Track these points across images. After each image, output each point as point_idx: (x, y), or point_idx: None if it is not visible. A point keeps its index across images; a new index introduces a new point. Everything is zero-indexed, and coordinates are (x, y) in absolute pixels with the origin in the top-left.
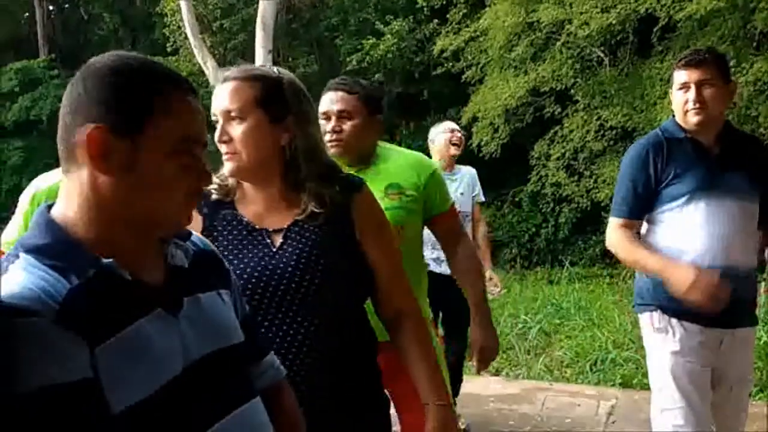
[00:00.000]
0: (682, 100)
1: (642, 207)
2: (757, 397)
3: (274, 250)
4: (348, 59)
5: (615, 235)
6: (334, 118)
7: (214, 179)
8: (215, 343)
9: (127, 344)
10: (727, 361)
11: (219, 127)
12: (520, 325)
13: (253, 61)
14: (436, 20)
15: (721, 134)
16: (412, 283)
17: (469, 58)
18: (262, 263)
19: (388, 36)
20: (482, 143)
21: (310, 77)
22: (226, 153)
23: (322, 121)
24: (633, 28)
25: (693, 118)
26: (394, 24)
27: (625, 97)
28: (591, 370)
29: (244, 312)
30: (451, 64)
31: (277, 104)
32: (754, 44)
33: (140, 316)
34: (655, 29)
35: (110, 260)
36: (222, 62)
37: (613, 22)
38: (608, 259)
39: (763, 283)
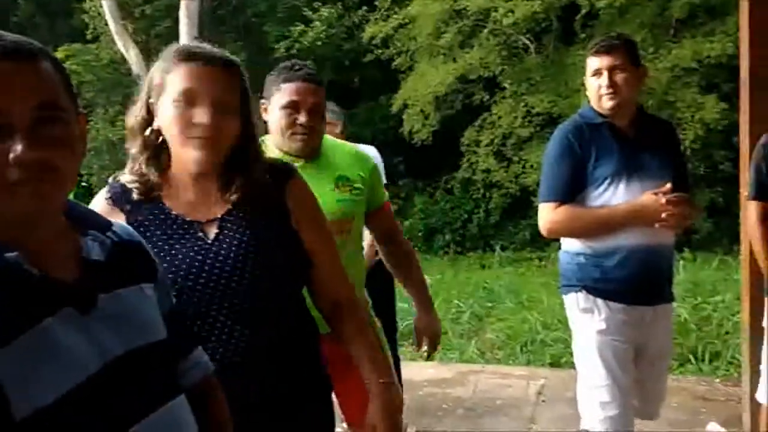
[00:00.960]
0: (596, 86)
1: (572, 190)
2: (678, 371)
3: (209, 242)
4: (276, 46)
5: (557, 216)
6: (304, 111)
7: (130, 177)
8: (136, 339)
9: (32, 346)
10: (649, 337)
11: (206, 112)
12: (453, 310)
13: None
14: (365, 7)
15: (635, 118)
16: (356, 273)
17: (399, 45)
18: (199, 257)
19: (317, 23)
20: (413, 130)
21: (241, 64)
22: (202, 139)
23: (283, 111)
24: (557, 16)
25: (608, 103)
26: (323, 11)
27: (551, 83)
28: (522, 351)
29: (170, 305)
30: (380, 51)
31: (244, 94)
32: (671, 31)
33: (47, 315)
34: (577, 17)
35: (14, 254)
36: (145, 50)
37: (538, 10)
38: (537, 242)
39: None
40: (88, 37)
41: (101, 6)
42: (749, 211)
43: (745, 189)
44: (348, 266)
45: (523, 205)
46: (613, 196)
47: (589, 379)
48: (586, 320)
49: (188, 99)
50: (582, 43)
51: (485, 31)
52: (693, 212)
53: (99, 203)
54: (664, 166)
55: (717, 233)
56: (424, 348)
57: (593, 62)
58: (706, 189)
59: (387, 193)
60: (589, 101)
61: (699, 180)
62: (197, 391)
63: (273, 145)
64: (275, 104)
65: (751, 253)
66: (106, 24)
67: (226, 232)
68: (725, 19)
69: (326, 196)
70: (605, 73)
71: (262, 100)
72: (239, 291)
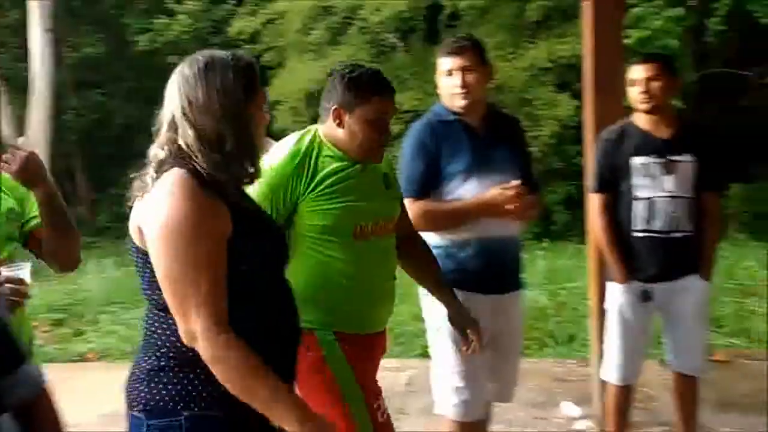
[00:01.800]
0: (448, 85)
1: (428, 185)
2: (537, 355)
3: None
4: (137, 39)
5: (414, 212)
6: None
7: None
8: None
9: None
10: (502, 323)
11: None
12: None
13: (26, 41)
14: (232, 1)
15: (485, 115)
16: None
17: (267, 41)
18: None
19: (181, 16)
20: (285, 127)
21: (101, 58)
22: None
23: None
24: (423, 16)
25: (460, 102)
26: (188, 3)
27: (418, 81)
28: (394, 343)
29: None
30: (249, 47)
31: None
32: (529, 33)
33: None
34: (441, 17)
35: None
36: None
37: (404, 9)
38: None
39: (541, 251)
40: None
41: None
42: (591, 203)
43: (589, 182)
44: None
45: None
46: (467, 191)
47: (443, 365)
48: (439, 309)
49: None
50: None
51: (353, 28)
52: (536, 204)
53: None
54: (513, 161)
55: (572, 224)
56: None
57: (445, 62)
58: (562, 182)
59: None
60: (440, 99)
61: (555, 174)
62: (25, 410)
63: (332, 143)
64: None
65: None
66: None
67: None
68: (576, 21)
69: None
70: (457, 73)
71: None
72: None
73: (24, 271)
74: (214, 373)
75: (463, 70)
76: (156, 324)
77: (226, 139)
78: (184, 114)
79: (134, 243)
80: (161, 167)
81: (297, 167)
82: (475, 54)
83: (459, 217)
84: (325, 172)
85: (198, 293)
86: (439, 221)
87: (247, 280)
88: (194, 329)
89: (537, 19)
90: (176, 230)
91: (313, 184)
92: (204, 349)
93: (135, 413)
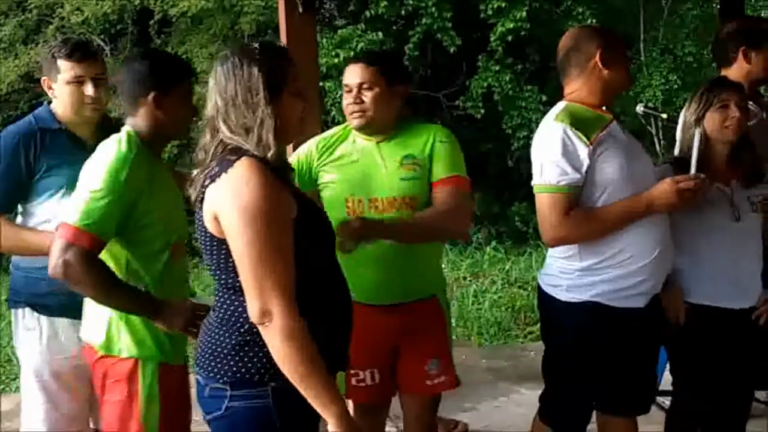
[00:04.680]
0: (72, 93)
1: (12, 199)
2: None
3: None
4: None
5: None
6: (355, 90)
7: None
8: None
9: None
10: None
11: None
12: None
13: None
14: None
15: (98, 126)
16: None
17: None
18: None
19: None
20: None
21: None
22: None
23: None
24: (132, 20)
25: (90, 113)
26: None
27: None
28: None
29: None
30: None
31: None
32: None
33: None
34: (151, 22)
35: None
36: None
37: (109, 11)
38: None
39: None
40: None
41: None
42: None
43: None
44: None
45: None
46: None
47: (31, 398)
48: (30, 339)
49: None
50: (159, 48)
51: (51, 27)
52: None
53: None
54: None
55: None
56: None
57: (74, 68)
58: None
59: None
60: (49, 102)
61: None
62: None
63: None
64: None
65: None
66: None
67: None
68: None
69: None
70: (88, 82)
71: None
72: None
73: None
74: (275, 350)
75: (94, 77)
76: (235, 303)
77: (262, 129)
78: (219, 111)
79: (206, 230)
80: (224, 158)
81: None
82: (101, 62)
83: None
84: None
85: (275, 275)
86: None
87: (308, 262)
88: (270, 308)
89: (250, 32)
90: (256, 215)
91: None
92: (277, 327)
93: (217, 385)
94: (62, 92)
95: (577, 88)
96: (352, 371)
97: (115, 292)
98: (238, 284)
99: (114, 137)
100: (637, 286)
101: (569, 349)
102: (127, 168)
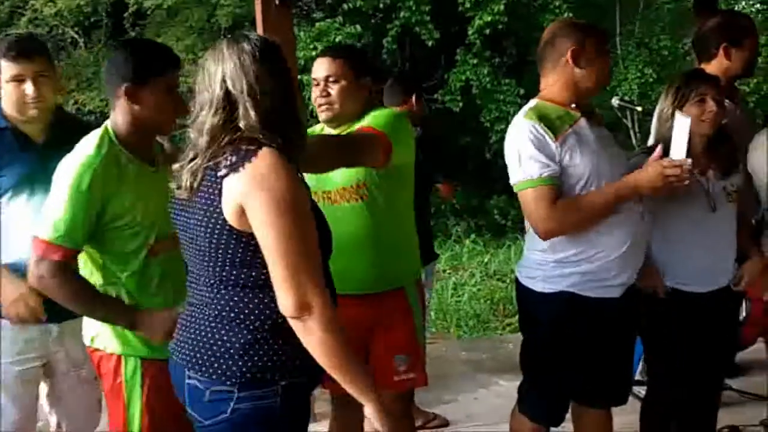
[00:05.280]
0: (12, 92)
1: None
2: None
3: None
4: None
5: None
6: (322, 83)
7: None
8: None
9: None
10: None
11: None
12: None
13: None
14: None
15: (50, 123)
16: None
17: None
18: None
19: None
20: None
21: None
22: None
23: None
24: (106, 12)
25: (33, 111)
26: None
27: (103, 80)
28: None
29: None
30: None
31: None
32: (221, 37)
33: None
34: (126, 14)
35: None
36: None
37: (82, 3)
38: None
39: None
40: None
41: None
42: None
43: None
44: None
45: None
46: (13, 210)
47: None
48: None
49: None
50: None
51: (24, 19)
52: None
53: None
54: None
55: None
56: None
57: (12, 67)
58: None
59: None
60: None
61: None
62: None
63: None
64: None
65: None
66: None
67: None
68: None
69: None
70: (28, 80)
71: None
72: None
73: None
74: (315, 341)
75: (35, 76)
76: (245, 301)
77: (284, 117)
78: (245, 95)
79: (223, 224)
80: (239, 147)
81: None
82: (45, 59)
83: None
84: None
85: (311, 267)
86: None
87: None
88: (308, 300)
89: (227, 25)
90: (288, 207)
91: None
92: (317, 318)
93: (221, 387)
94: (5, 91)
95: (549, 84)
96: None
97: (95, 303)
98: (256, 280)
99: (92, 134)
100: (610, 278)
101: (545, 340)
102: (89, 174)
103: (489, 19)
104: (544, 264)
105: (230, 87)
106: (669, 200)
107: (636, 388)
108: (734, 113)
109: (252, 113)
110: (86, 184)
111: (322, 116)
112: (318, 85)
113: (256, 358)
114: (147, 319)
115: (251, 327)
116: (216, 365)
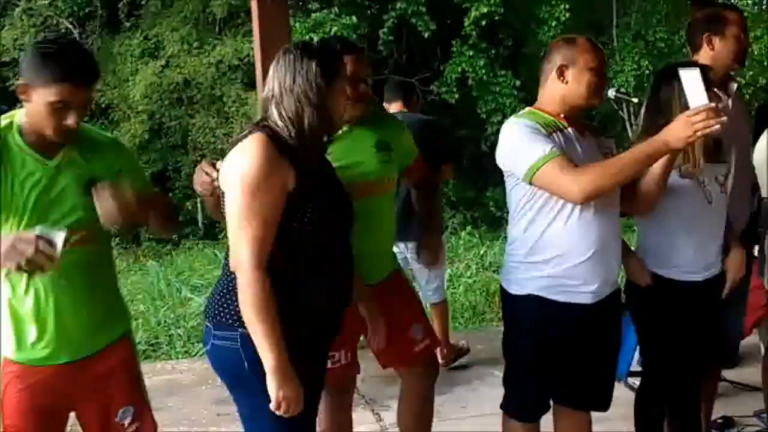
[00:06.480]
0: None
1: None
2: None
3: None
4: None
5: None
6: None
7: None
8: None
9: None
10: None
11: None
12: None
13: None
14: None
15: None
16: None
17: None
18: None
19: None
20: None
21: None
22: None
23: None
24: (101, 2)
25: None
26: None
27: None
28: None
29: None
30: None
31: None
32: (217, 28)
33: None
34: (121, 5)
35: None
36: None
37: None
38: None
39: None
40: None
41: None
42: None
43: None
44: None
45: None
46: None
47: None
48: None
49: None
50: (128, 32)
51: (18, 9)
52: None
53: None
54: None
55: None
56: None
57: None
58: None
59: None
60: None
61: None
62: None
63: None
64: None
65: None
66: None
67: None
68: None
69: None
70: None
71: None
72: None
73: (58, 235)
74: (239, 296)
75: None
76: (227, 257)
77: (305, 116)
78: (273, 95)
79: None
80: (244, 132)
81: None
82: None
83: None
84: None
85: (247, 233)
86: None
87: (301, 238)
88: (238, 260)
89: (222, 16)
90: (242, 179)
91: None
92: (239, 277)
93: (207, 323)
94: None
95: (542, 95)
96: (330, 353)
97: None
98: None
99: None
100: (576, 285)
101: (518, 341)
102: None
103: (485, 10)
104: (515, 266)
105: (270, 89)
106: (666, 195)
107: (630, 380)
108: (727, 106)
109: (275, 111)
110: None
111: (342, 117)
112: None
113: (225, 305)
114: None
115: (226, 279)
116: (207, 304)
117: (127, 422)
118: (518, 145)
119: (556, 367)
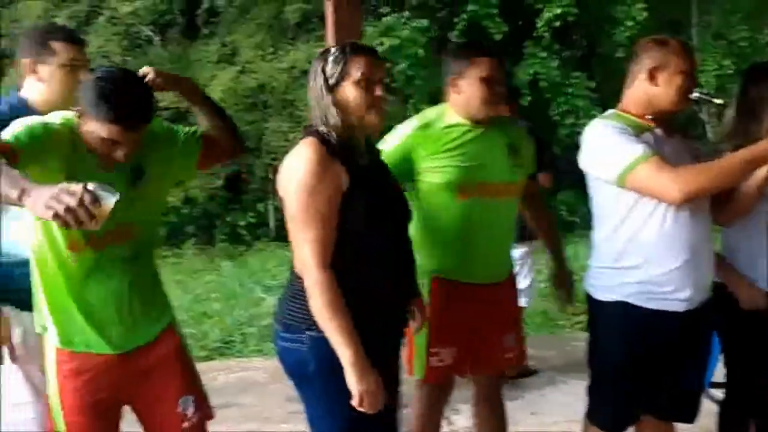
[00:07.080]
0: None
1: None
2: None
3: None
4: None
5: None
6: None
7: None
8: None
9: None
10: None
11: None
12: None
13: None
14: None
15: None
16: None
17: (2, 26)
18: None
19: None
20: None
21: None
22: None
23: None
24: (180, 10)
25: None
26: None
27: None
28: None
29: None
30: None
31: None
32: (290, 35)
33: None
34: (199, 12)
35: None
36: None
37: (158, 1)
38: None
39: None
40: None
41: None
42: None
43: None
44: None
45: None
46: None
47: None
48: None
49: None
50: (205, 39)
51: (102, 18)
52: None
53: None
54: None
55: None
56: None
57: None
58: None
59: None
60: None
61: None
62: None
63: (458, 112)
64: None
65: None
66: None
67: None
68: None
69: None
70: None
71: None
72: None
73: (109, 195)
74: (309, 299)
75: None
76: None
77: (329, 117)
78: (311, 102)
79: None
80: (299, 138)
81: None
82: None
83: None
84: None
85: (308, 235)
86: None
87: (358, 235)
88: (303, 262)
89: (296, 22)
90: (297, 183)
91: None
92: (305, 279)
93: (275, 325)
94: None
95: (627, 97)
96: (434, 350)
97: None
98: None
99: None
100: (668, 292)
101: (610, 349)
102: (59, 124)
103: (558, 11)
104: (602, 271)
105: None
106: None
107: (713, 391)
108: None
109: (313, 113)
110: (55, 126)
111: (374, 119)
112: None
113: (292, 308)
114: (34, 190)
115: (294, 282)
116: (277, 308)
117: (190, 412)
118: (607, 148)
119: (650, 376)
